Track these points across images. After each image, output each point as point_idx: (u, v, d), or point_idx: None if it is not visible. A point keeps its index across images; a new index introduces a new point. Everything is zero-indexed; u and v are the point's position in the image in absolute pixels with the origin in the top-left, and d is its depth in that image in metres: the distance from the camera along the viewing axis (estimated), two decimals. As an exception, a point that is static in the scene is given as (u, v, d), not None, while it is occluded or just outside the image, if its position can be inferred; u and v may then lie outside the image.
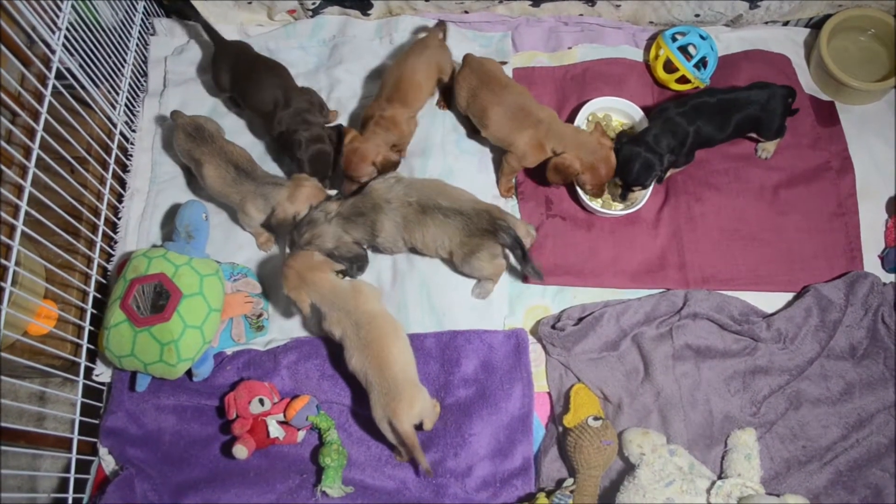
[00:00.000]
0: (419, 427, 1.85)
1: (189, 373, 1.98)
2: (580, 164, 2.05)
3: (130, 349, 1.88)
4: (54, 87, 1.89)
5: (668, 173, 2.22)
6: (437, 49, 2.23)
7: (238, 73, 2.23)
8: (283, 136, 2.13)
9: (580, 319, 2.08)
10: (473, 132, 2.30)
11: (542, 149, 2.10)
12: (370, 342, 1.83)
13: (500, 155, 2.22)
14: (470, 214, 1.95)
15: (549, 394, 2.06)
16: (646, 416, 2.00)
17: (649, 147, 2.08)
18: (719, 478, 1.92)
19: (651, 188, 2.18)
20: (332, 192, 2.18)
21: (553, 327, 2.07)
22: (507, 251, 2.00)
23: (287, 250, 2.14)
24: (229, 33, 2.49)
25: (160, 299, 1.92)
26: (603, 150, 2.07)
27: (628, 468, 1.92)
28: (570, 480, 1.91)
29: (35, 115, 1.84)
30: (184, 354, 1.89)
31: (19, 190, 1.78)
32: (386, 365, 1.81)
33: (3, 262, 1.70)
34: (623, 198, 2.17)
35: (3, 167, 1.71)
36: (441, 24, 2.29)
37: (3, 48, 1.74)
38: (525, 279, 2.15)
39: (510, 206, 2.25)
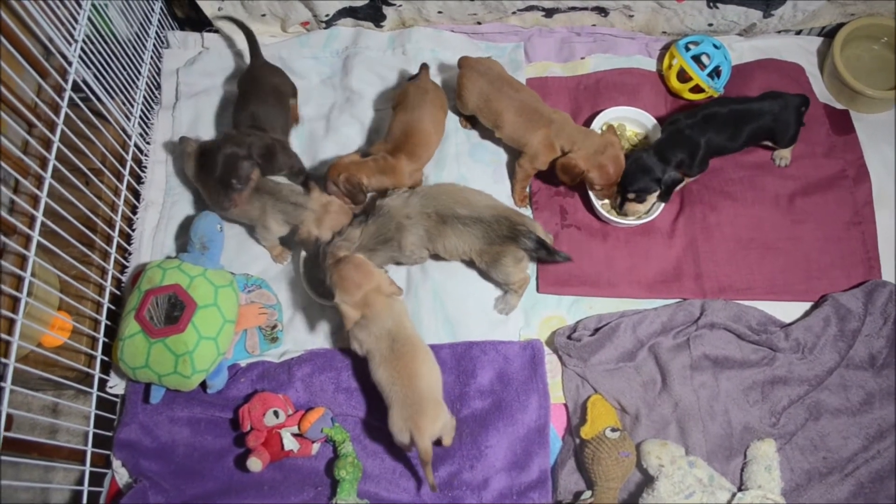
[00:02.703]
0: (437, 443, 1.83)
1: (203, 385, 1.96)
2: (585, 162, 2.05)
3: (145, 361, 1.87)
4: (70, 98, 1.89)
5: (683, 182, 2.21)
6: (434, 91, 2.21)
7: (243, 90, 2.22)
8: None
9: (596, 330, 2.07)
10: (469, 122, 2.33)
11: (553, 148, 2.11)
12: (402, 355, 1.82)
13: (514, 160, 2.22)
14: (489, 222, 1.94)
15: (565, 405, 2.05)
16: (664, 428, 1.98)
17: (649, 154, 2.09)
18: (739, 490, 1.89)
19: (656, 203, 2.17)
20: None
21: (569, 338, 2.06)
22: (532, 254, 1.99)
23: (301, 265, 2.13)
24: (240, 44, 2.51)
25: (174, 310, 1.91)
26: (611, 148, 2.06)
27: (647, 480, 1.90)
28: (588, 493, 1.88)
29: (51, 126, 1.84)
30: (198, 366, 1.88)
31: (35, 200, 1.78)
32: (415, 377, 1.80)
33: (20, 272, 1.70)
34: (620, 206, 2.15)
35: (20, 177, 1.70)
36: (425, 66, 2.24)
37: (21, 59, 1.74)
38: (549, 259, 2.07)
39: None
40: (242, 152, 2.01)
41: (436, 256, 2.07)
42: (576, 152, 2.07)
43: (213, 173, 2.01)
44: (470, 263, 2.08)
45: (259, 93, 2.19)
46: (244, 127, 2.12)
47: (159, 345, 1.86)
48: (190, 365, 1.86)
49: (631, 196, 2.11)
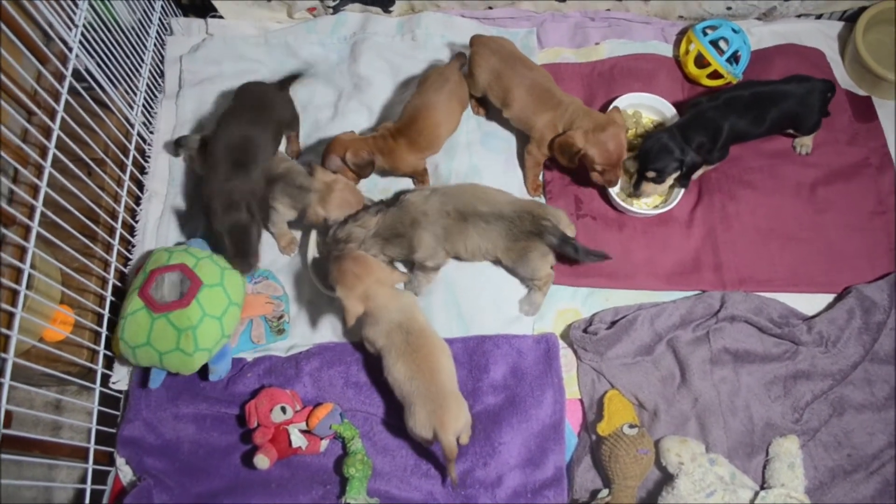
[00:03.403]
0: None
1: (206, 373, 1.91)
2: (583, 139, 1.98)
3: (146, 337, 1.81)
4: (72, 87, 1.84)
5: (702, 170, 2.15)
6: (457, 83, 2.13)
7: (239, 101, 2.08)
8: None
9: (613, 323, 2.02)
10: (479, 103, 2.27)
11: (556, 131, 2.05)
12: (419, 348, 1.78)
13: (524, 147, 2.16)
14: (512, 218, 1.89)
15: (581, 400, 1.99)
16: (683, 424, 1.93)
17: (671, 134, 2.03)
18: (762, 488, 1.84)
19: (675, 189, 2.11)
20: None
21: (585, 331, 2.00)
22: (557, 250, 1.93)
23: (310, 254, 2.08)
24: (246, 30, 2.45)
25: (180, 288, 1.86)
26: (613, 126, 1.99)
27: (666, 478, 1.85)
28: (605, 491, 1.84)
29: (52, 114, 1.79)
30: (201, 343, 1.82)
31: (35, 190, 1.73)
32: (436, 371, 1.76)
33: (19, 264, 1.65)
34: (635, 187, 2.09)
35: (19, 167, 1.65)
36: (461, 56, 2.17)
37: (20, 44, 1.69)
38: (582, 259, 1.99)
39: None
40: (244, 218, 1.90)
41: (457, 258, 2.02)
42: (574, 130, 2.00)
43: (223, 247, 1.93)
44: (495, 262, 2.02)
45: (251, 112, 2.04)
46: (221, 153, 1.96)
47: (162, 320, 1.81)
48: (193, 341, 1.81)
49: (650, 175, 2.05)
